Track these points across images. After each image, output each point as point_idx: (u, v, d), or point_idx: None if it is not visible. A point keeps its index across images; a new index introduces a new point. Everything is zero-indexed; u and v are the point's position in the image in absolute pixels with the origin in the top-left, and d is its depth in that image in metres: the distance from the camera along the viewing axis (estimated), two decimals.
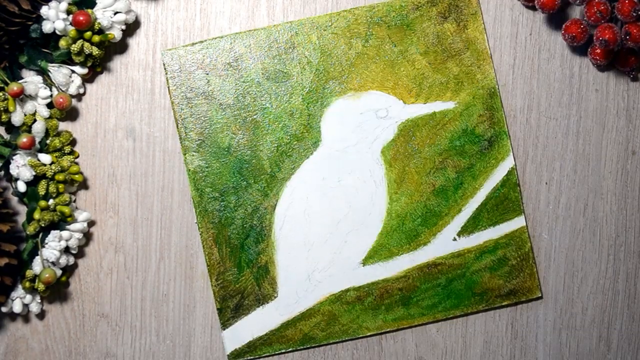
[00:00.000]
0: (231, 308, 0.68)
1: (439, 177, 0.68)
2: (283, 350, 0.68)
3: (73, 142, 0.69)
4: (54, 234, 0.66)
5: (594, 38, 0.65)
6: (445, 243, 0.68)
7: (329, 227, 0.68)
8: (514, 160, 0.68)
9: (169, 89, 0.67)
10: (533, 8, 0.69)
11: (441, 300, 0.68)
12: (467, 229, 0.68)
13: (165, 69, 0.67)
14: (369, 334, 0.68)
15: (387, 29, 0.67)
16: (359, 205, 0.67)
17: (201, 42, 0.67)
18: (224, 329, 0.68)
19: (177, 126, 0.67)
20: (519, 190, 0.68)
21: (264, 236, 0.67)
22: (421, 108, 0.68)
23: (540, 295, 0.69)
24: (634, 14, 0.64)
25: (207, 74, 0.67)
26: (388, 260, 0.68)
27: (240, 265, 0.67)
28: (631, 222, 0.69)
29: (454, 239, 0.68)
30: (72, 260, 0.68)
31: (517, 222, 0.68)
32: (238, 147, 0.67)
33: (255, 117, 0.67)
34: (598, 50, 0.67)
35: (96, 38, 0.65)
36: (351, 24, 0.67)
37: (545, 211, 0.69)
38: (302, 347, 0.68)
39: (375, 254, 0.68)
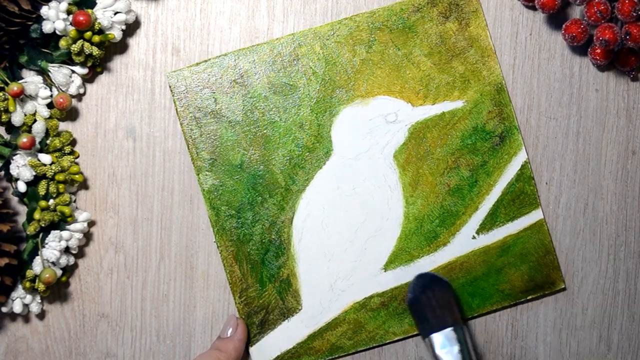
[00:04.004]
0: (257, 324, 0.67)
1: (453, 177, 0.67)
2: None
3: (73, 142, 0.69)
4: (54, 234, 0.66)
5: (594, 38, 0.65)
6: (465, 242, 0.67)
7: (347, 236, 0.67)
8: (527, 154, 0.68)
9: (176, 111, 0.67)
10: (533, 8, 0.69)
11: (466, 299, 0.68)
12: (486, 226, 0.67)
13: (171, 90, 0.67)
14: (396, 338, 0.68)
15: (390, 33, 0.67)
16: (376, 211, 0.67)
17: (205, 61, 0.67)
18: (251, 346, 0.67)
19: (188, 147, 0.67)
20: (534, 184, 0.68)
21: (284, 250, 0.67)
22: (430, 109, 0.67)
23: (564, 286, 0.68)
24: (634, 14, 0.64)
25: (214, 92, 0.67)
26: (409, 263, 0.67)
27: (262, 281, 0.67)
28: (631, 222, 0.69)
29: (474, 237, 0.67)
30: (72, 260, 0.68)
31: (535, 215, 0.68)
32: (250, 163, 0.67)
33: (265, 131, 0.67)
34: (598, 50, 0.67)
35: (96, 38, 0.65)
36: (353, 31, 0.67)
37: (545, 211, 0.69)
38: (330, 358, 0.67)
39: (396, 259, 0.67)
